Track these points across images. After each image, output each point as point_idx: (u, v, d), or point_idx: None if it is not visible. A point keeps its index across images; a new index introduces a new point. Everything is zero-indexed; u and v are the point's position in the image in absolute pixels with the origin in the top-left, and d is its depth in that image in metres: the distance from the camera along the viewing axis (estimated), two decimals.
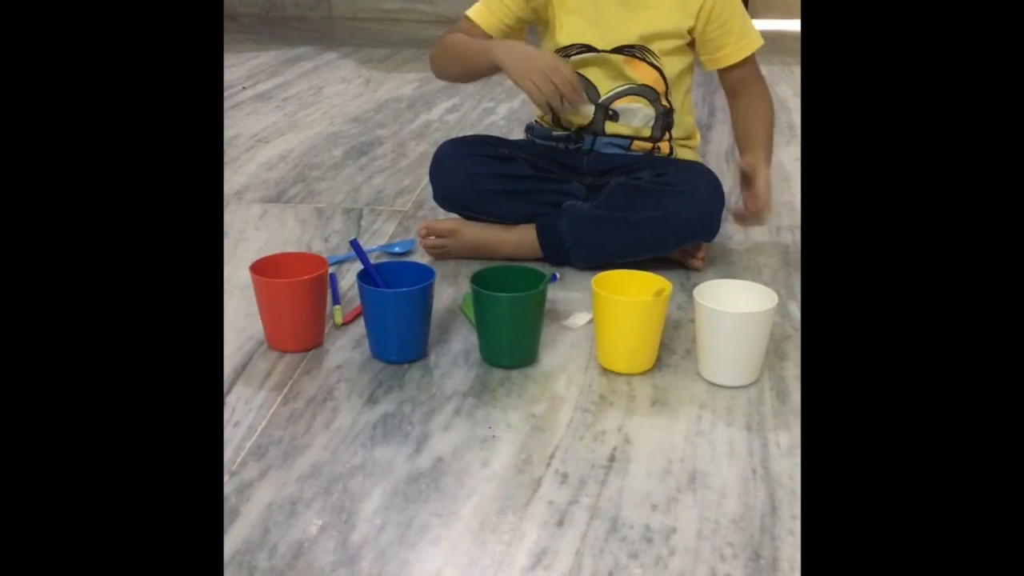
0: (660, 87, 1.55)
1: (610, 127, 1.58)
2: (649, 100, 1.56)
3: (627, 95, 1.56)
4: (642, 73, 1.55)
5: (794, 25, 3.45)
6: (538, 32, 1.61)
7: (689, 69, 1.59)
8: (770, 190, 1.51)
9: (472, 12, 1.59)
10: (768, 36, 1.61)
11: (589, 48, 1.55)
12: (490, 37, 1.56)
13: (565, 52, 1.56)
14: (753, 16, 1.64)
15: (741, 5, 1.56)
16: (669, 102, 1.57)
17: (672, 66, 1.55)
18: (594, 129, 1.59)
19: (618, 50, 1.53)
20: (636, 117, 1.57)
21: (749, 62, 1.57)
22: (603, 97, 1.57)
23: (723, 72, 1.59)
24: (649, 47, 1.53)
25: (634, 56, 1.54)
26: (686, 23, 1.52)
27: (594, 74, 1.55)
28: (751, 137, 1.58)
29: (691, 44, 1.56)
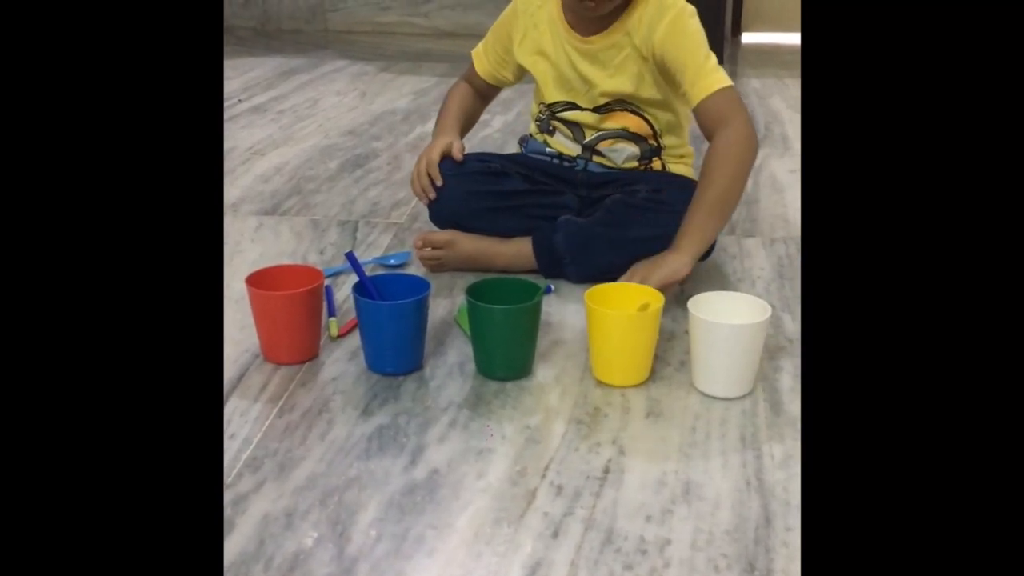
0: (645, 131, 1.56)
1: (597, 160, 1.61)
2: (634, 141, 1.58)
3: (611, 138, 1.58)
4: (626, 121, 1.56)
5: (786, 38, 3.46)
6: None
7: (685, 118, 1.58)
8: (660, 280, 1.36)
9: (475, 52, 1.66)
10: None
11: (574, 105, 1.57)
12: (490, 84, 1.67)
13: (551, 109, 1.60)
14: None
15: (696, 46, 1.47)
16: (658, 142, 1.58)
17: (660, 116, 1.55)
18: (583, 158, 1.61)
19: (597, 109, 1.56)
20: (621, 156, 1.59)
21: (713, 101, 1.45)
22: (588, 139, 1.59)
23: (693, 111, 1.50)
24: (629, 101, 1.54)
25: (614, 110, 1.55)
26: (651, 77, 1.51)
27: (579, 122, 1.59)
28: (685, 222, 1.42)
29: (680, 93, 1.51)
